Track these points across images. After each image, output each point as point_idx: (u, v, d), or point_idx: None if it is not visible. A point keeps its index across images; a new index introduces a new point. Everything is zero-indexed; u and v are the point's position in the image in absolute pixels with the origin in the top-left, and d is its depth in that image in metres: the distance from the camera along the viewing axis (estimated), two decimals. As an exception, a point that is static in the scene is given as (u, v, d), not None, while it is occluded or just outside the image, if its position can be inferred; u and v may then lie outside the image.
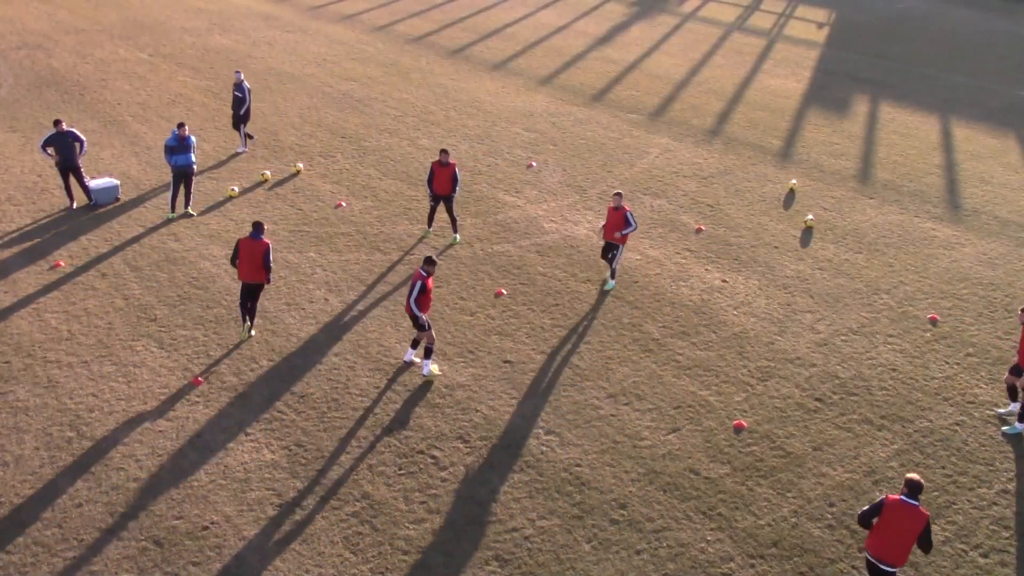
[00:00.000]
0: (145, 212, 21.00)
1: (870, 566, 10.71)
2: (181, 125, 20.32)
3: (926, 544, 10.42)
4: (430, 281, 14.96)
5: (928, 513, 10.29)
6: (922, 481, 10.23)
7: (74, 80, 29.72)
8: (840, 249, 20.92)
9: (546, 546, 12.28)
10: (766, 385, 15.83)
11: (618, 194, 18.14)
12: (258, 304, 16.62)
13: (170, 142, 20.30)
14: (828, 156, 26.83)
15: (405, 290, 18.20)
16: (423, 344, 15.65)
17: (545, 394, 15.29)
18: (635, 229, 18.46)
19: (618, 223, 18.09)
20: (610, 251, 18.52)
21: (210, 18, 38.81)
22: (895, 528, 10.33)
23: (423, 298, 14.82)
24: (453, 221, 20.05)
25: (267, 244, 15.67)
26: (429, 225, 20.42)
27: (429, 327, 15.11)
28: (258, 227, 15.79)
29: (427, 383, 15.38)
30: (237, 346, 16.16)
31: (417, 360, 15.86)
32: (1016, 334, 17.64)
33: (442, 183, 19.34)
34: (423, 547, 12.15)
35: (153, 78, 30.35)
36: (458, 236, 20.34)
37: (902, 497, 10.32)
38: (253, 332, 16.45)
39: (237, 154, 24.49)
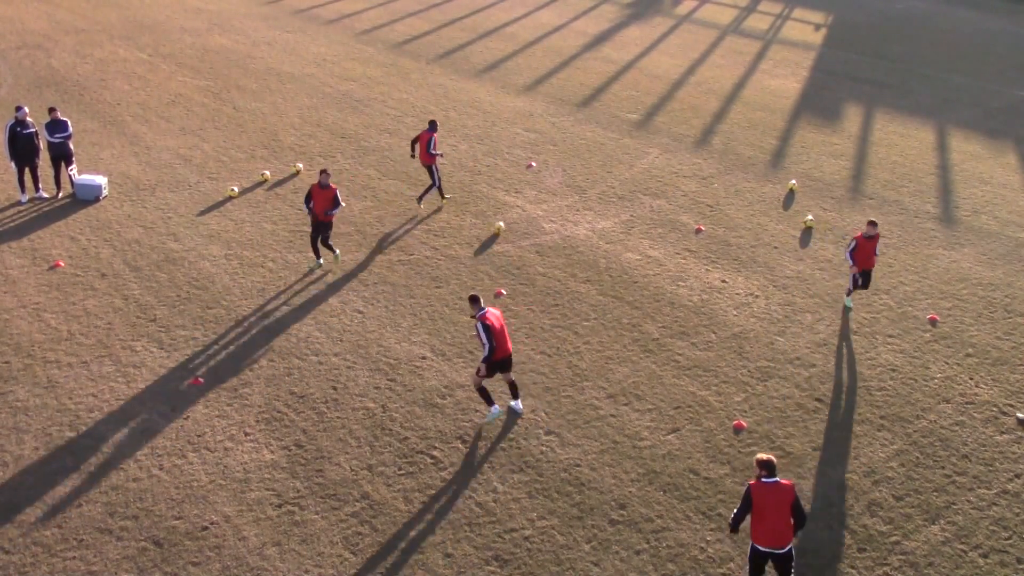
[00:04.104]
0: (145, 212, 21.01)
1: (759, 555, 10.74)
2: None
3: (800, 516, 10.59)
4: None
5: (792, 483, 10.57)
6: (772, 458, 10.51)
7: (74, 80, 29.71)
8: (840, 249, 20.91)
9: (546, 546, 12.28)
10: (766, 385, 15.83)
11: (872, 223, 17.34)
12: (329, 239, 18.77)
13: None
14: (827, 156, 26.83)
15: (404, 290, 18.23)
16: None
17: (545, 394, 15.29)
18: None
19: (871, 252, 17.51)
20: (866, 279, 17.91)
21: (210, 18, 38.81)
22: (771, 510, 10.51)
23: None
24: (329, 248, 18.74)
25: (335, 189, 18.31)
26: (317, 256, 18.78)
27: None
28: (324, 174, 18.17)
29: (427, 384, 15.39)
30: (237, 346, 16.17)
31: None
32: (1016, 334, 17.65)
33: (321, 204, 17.98)
34: (423, 547, 12.15)
35: (153, 78, 30.35)
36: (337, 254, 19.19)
37: (762, 480, 10.55)
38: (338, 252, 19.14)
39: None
